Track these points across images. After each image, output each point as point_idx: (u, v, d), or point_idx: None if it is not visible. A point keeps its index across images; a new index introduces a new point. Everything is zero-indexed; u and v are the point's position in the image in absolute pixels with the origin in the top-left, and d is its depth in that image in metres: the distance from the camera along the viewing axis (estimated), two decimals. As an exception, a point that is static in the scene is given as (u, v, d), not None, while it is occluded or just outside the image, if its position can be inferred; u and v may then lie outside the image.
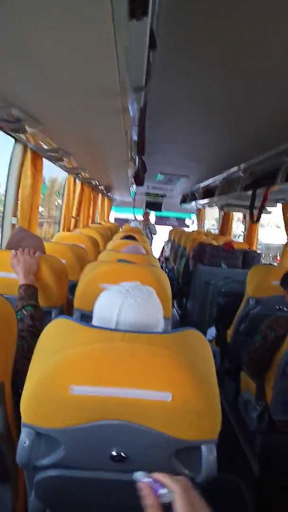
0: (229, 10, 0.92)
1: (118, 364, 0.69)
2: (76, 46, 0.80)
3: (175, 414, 0.71)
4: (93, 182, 4.11)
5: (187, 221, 8.75)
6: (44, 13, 0.69)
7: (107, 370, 0.69)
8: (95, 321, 0.86)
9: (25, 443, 0.72)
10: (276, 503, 1.46)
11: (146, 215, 7.63)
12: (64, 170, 3.26)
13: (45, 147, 2.11)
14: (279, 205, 3.60)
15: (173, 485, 0.57)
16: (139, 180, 2.38)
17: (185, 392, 0.70)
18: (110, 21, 0.63)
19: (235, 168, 3.30)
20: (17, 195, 2.20)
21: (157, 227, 8.06)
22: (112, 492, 0.79)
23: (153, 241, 7.63)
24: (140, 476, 0.61)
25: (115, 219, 8.42)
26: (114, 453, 0.75)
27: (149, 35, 0.90)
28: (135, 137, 1.80)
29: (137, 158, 2.22)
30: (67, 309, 1.66)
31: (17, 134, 1.81)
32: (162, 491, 0.57)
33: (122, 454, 0.75)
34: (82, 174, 3.37)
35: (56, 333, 0.78)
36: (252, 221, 2.88)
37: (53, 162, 2.58)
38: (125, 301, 0.82)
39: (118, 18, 0.64)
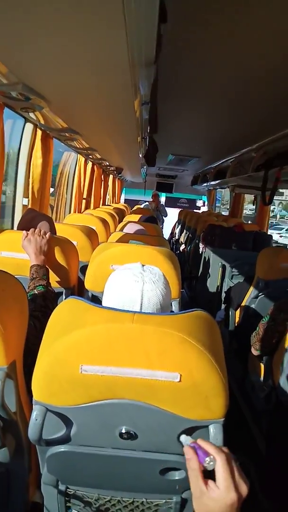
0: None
1: (127, 344, 0.70)
2: (84, 20, 0.78)
3: (183, 394, 0.72)
4: (104, 163, 4.07)
5: (198, 203, 8.66)
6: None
7: (117, 350, 0.70)
8: (106, 303, 0.86)
9: (36, 419, 0.74)
10: (282, 481, 1.49)
11: (155, 197, 7.54)
12: (75, 151, 3.23)
13: (55, 127, 2.08)
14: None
15: (217, 454, 0.60)
16: (150, 160, 2.34)
17: (194, 372, 0.70)
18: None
19: (247, 149, 3.23)
20: (28, 176, 2.19)
21: (168, 209, 8.00)
22: (121, 468, 0.81)
23: (164, 223, 7.59)
24: (185, 440, 0.65)
25: (125, 200, 8.37)
26: (123, 430, 0.77)
27: (159, 7, 0.88)
28: (145, 115, 1.76)
29: (148, 137, 2.18)
30: (78, 290, 1.68)
31: (27, 113, 1.79)
32: (207, 459, 0.60)
33: (130, 432, 0.77)
34: (93, 155, 3.34)
35: (66, 313, 0.79)
36: (265, 203, 2.83)
37: (63, 142, 2.55)
38: (145, 286, 0.83)
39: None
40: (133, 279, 0.83)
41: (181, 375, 0.70)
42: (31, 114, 1.86)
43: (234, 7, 1.02)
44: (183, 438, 0.65)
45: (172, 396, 0.72)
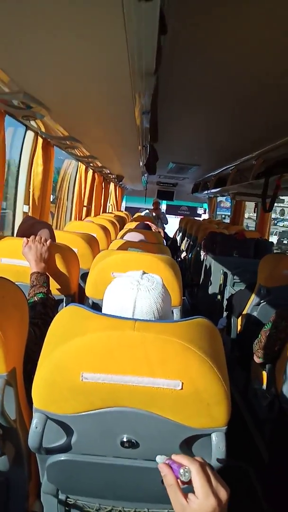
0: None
1: (128, 352, 0.70)
2: (85, 31, 0.79)
3: (185, 402, 0.71)
4: (105, 171, 4.09)
5: (199, 210, 8.68)
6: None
7: (118, 358, 0.70)
8: (106, 311, 0.86)
9: (36, 427, 0.73)
10: (284, 489, 1.47)
11: (155, 205, 7.57)
12: (75, 159, 3.25)
13: (55, 135, 2.10)
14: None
15: (191, 464, 0.60)
16: (151, 168, 2.35)
17: (195, 380, 0.70)
18: (119, 4, 0.62)
19: (247, 156, 3.24)
20: (29, 183, 2.20)
21: (168, 217, 8.02)
22: (122, 477, 0.80)
23: (165, 231, 7.60)
24: (159, 459, 0.64)
25: (126, 208, 8.40)
26: (124, 439, 0.76)
27: (159, 18, 0.89)
28: (146, 124, 1.77)
29: (148, 146, 2.19)
30: (78, 298, 1.68)
31: (28, 121, 1.81)
32: (181, 470, 0.60)
33: (132, 440, 0.76)
34: (93, 162, 3.36)
35: (67, 320, 0.79)
36: (265, 210, 2.84)
37: (64, 150, 2.57)
38: (139, 293, 0.82)
39: (127, 1, 0.62)
40: (129, 287, 0.83)
41: (182, 382, 0.70)
42: (32, 122, 1.87)
43: (234, 18, 1.03)
44: (158, 458, 0.64)
45: (173, 404, 0.72)
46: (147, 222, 3.76)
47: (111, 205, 6.64)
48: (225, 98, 1.87)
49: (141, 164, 3.14)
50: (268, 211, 2.84)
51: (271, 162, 2.99)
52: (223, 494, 0.58)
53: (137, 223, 3.57)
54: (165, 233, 6.06)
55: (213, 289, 3.61)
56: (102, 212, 4.98)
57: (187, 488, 0.60)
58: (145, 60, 0.92)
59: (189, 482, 0.59)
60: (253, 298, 2.27)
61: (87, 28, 0.79)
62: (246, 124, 2.31)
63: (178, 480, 0.60)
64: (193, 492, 0.58)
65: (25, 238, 1.46)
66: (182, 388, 0.70)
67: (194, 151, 3.71)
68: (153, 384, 0.70)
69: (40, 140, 2.18)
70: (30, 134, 2.17)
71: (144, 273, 0.90)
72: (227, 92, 1.76)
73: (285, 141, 2.41)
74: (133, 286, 0.83)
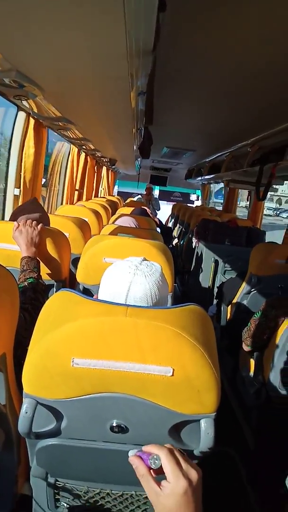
0: None
1: (119, 338, 0.69)
2: (81, 7, 0.75)
3: (175, 388, 0.71)
4: (98, 154, 4.03)
5: (192, 197, 8.65)
6: None
7: (109, 343, 0.69)
8: (102, 296, 0.85)
9: (26, 412, 0.73)
10: (269, 474, 1.51)
11: (148, 190, 7.51)
12: (68, 141, 3.19)
13: (48, 115, 2.04)
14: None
15: (159, 451, 0.62)
16: (145, 152, 2.32)
17: (187, 367, 0.70)
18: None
19: (243, 143, 3.21)
20: (20, 166, 2.15)
21: (161, 203, 7.98)
22: (111, 461, 0.81)
23: (157, 217, 7.56)
24: (131, 453, 0.65)
25: (118, 193, 8.33)
26: (114, 424, 0.76)
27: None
28: (141, 106, 1.74)
29: (143, 128, 2.15)
30: (69, 283, 1.66)
31: (20, 101, 1.75)
32: (150, 459, 0.62)
33: (121, 425, 0.76)
34: (86, 145, 3.30)
35: (58, 305, 0.77)
36: (258, 199, 2.83)
37: (56, 132, 2.51)
38: (135, 278, 0.81)
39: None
40: (127, 271, 0.82)
41: (173, 369, 0.70)
42: (24, 102, 1.81)
43: (234, 2, 1.00)
44: (130, 452, 0.65)
45: (164, 390, 0.72)
46: (144, 207, 3.74)
47: (103, 189, 6.57)
48: (223, 83, 1.83)
49: (134, 147, 3.09)
50: (261, 199, 2.83)
51: (266, 149, 2.97)
52: (194, 475, 0.59)
53: (131, 208, 3.55)
54: (159, 221, 6.02)
55: (204, 276, 3.62)
56: (94, 197, 4.93)
57: (160, 477, 0.61)
58: (143, 37, 0.89)
59: (161, 471, 0.61)
60: (244, 287, 2.28)
61: (83, 3, 0.76)
62: (243, 110, 2.28)
63: (151, 470, 0.62)
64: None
65: (15, 222, 1.44)
66: (173, 375, 0.70)
67: (189, 136, 3.66)
68: (144, 370, 0.70)
69: (32, 121, 2.12)
70: (21, 115, 2.11)
71: (144, 259, 0.89)
72: (224, 76, 1.72)
73: (281, 129, 2.39)
74: (130, 270, 0.82)
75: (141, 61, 1.02)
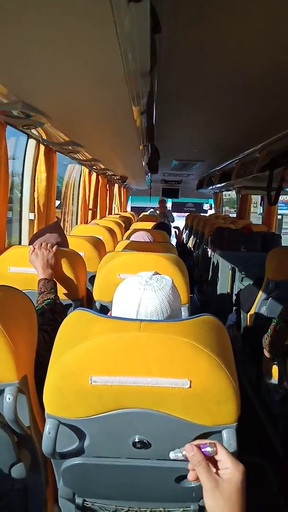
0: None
1: (135, 353, 0.70)
2: (77, 36, 0.79)
3: (194, 400, 0.72)
4: (108, 173, 4.10)
5: (205, 206, 8.65)
6: (43, 8, 0.68)
7: (125, 359, 0.70)
8: (115, 313, 0.87)
9: (49, 433, 0.74)
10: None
11: (161, 203, 7.56)
12: (78, 163, 3.27)
13: (57, 141, 2.11)
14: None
15: (212, 441, 0.61)
16: (153, 167, 2.36)
17: (203, 378, 0.70)
18: (108, 6, 0.62)
19: (251, 149, 3.22)
20: (33, 191, 2.22)
21: (175, 214, 8.01)
22: (137, 478, 0.81)
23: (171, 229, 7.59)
24: (174, 454, 0.64)
25: (132, 208, 8.41)
26: (136, 440, 0.77)
27: (152, 17, 0.89)
28: (146, 124, 1.78)
29: (149, 145, 2.19)
30: (87, 301, 1.69)
31: (29, 130, 1.82)
32: (208, 445, 0.60)
33: (144, 441, 0.76)
34: (96, 165, 3.37)
35: (74, 325, 0.79)
36: (270, 203, 2.82)
37: (66, 155, 2.59)
38: (145, 293, 0.82)
39: (117, 3, 0.62)
40: (137, 286, 0.83)
41: (191, 381, 0.70)
42: (33, 131, 1.89)
43: (229, 12, 1.02)
44: (172, 454, 0.63)
45: (183, 402, 0.72)
46: (162, 221, 3.77)
47: (116, 206, 6.66)
48: (224, 93, 1.86)
49: (143, 163, 3.14)
50: (273, 204, 2.82)
51: (275, 154, 2.96)
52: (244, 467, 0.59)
53: (145, 222, 3.59)
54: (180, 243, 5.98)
55: (222, 285, 3.60)
56: (108, 214, 5.00)
57: None
58: (139, 60, 0.92)
59: (211, 459, 0.60)
60: (262, 293, 2.26)
61: (80, 34, 0.80)
62: (248, 117, 2.30)
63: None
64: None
65: (31, 246, 1.48)
66: (190, 387, 0.70)
67: (196, 147, 3.69)
68: (161, 384, 0.71)
69: (42, 147, 2.19)
70: (32, 142, 2.19)
71: (156, 273, 0.90)
72: (225, 86, 1.75)
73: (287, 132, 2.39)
74: (140, 286, 0.84)
75: (140, 82, 1.05)
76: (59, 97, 1.30)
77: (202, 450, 0.60)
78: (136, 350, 0.70)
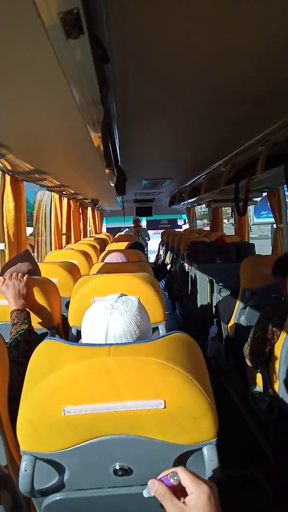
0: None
1: (106, 378, 0.69)
2: (24, 70, 0.81)
3: (170, 420, 0.71)
4: (79, 197, 4.12)
5: (179, 222, 8.78)
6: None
7: (96, 386, 0.69)
8: (85, 339, 0.86)
9: (25, 470, 0.72)
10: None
11: (135, 222, 7.65)
12: (47, 190, 3.27)
13: (22, 170, 2.12)
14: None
15: (174, 469, 0.63)
16: (120, 190, 2.39)
17: (177, 396, 0.70)
18: (48, 43, 0.64)
19: (216, 164, 3.32)
20: (2, 221, 2.20)
21: (150, 232, 8.08)
22: (121, 506, 0.79)
23: (147, 247, 7.64)
24: (146, 492, 0.64)
25: (107, 229, 8.44)
26: (117, 467, 0.75)
27: (99, 48, 0.92)
28: (109, 148, 1.81)
29: (114, 168, 2.23)
30: (63, 328, 1.66)
31: (-8, 161, 1.83)
32: (169, 476, 0.62)
33: (124, 467, 0.75)
34: (66, 190, 3.38)
35: (43, 356, 0.78)
36: (239, 214, 2.89)
37: (33, 183, 2.59)
38: (111, 317, 0.82)
39: (56, 39, 0.64)
40: (103, 312, 0.83)
41: (165, 401, 0.70)
42: (-3, 162, 1.89)
43: (184, 24, 1.04)
44: (145, 493, 0.64)
45: (159, 423, 0.72)
46: (136, 241, 3.80)
47: (91, 229, 6.66)
48: (186, 112, 1.92)
49: (112, 185, 3.18)
50: (242, 214, 2.89)
51: (239, 166, 3.06)
52: (210, 483, 0.60)
53: (120, 243, 3.60)
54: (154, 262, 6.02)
55: (201, 297, 3.62)
56: (83, 237, 4.99)
57: None
58: (88, 90, 0.94)
59: (177, 491, 0.60)
60: (239, 302, 2.29)
61: (27, 68, 0.81)
62: (211, 133, 2.38)
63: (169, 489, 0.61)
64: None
65: (1, 277, 1.46)
66: (165, 407, 0.70)
67: (164, 165, 3.77)
68: (136, 407, 0.70)
69: (7, 177, 2.19)
70: (-4, 173, 2.19)
71: (122, 295, 0.90)
72: (187, 105, 1.80)
73: (249, 145, 2.48)
74: (106, 311, 0.84)
75: (93, 109, 1.08)
76: (16, 128, 1.31)
77: (165, 482, 0.61)
78: (107, 375, 0.70)
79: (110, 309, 0.83)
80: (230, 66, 1.34)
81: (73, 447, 0.72)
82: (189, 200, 5.06)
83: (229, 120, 2.07)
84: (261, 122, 2.03)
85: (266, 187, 3.23)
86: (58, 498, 0.77)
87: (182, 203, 5.89)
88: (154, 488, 0.62)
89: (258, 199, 3.75)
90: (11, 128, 1.29)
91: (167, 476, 0.62)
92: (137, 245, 3.51)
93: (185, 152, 3.11)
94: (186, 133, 2.44)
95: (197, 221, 8.05)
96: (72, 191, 3.49)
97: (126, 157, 2.87)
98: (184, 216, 8.46)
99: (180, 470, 0.61)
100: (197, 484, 0.59)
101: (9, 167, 2.04)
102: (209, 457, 0.74)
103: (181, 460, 0.76)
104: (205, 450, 0.74)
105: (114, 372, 0.70)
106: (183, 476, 0.60)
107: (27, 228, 2.49)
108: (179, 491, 0.61)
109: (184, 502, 0.59)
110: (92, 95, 0.96)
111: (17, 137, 1.39)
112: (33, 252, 3.72)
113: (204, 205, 5.92)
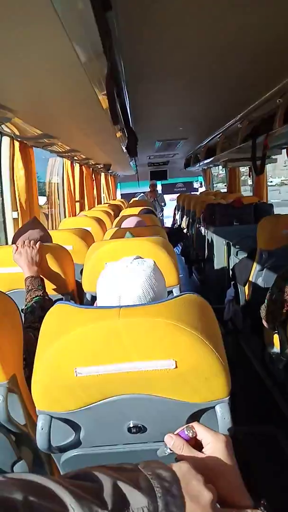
0: None
1: (116, 340, 0.69)
2: (20, 24, 0.76)
3: (182, 379, 0.71)
4: (91, 162, 4.05)
5: (195, 185, 8.57)
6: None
7: (107, 347, 0.69)
8: (100, 302, 0.86)
9: (42, 429, 0.74)
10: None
11: (152, 187, 7.49)
12: (58, 155, 3.21)
13: (31, 135, 2.07)
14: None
15: (189, 425, 0.61)
16: (131, 151, 2.32)
17: (188, 357, 0.69)
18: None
19: (232, 121, 3.17)
20: (14, 189, 2.19)
21: (166, 197, 7.95)
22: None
23: (163, 212, 7.55)
24: (161, 451, 0.62)
25: (122, 195, 8.33)
26: (131, 425, 0.76)
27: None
28: (117, 107, 1.74)
29: (124, 128, 2.15)
30: (78, 293, 1.68)
31: (1, 127, 1.79)
32: (185, 429, 0.60)
33: (138, 425, 0.76)
34: (77, 156, 3.32)
35: (54, 320, 0.78)
36: (256, 173, 2.78)
37: (43, 149, 2.54)
38: (126, 278, 0.81)
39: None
40: (118, 273, 0.82)
41: (176, 361, 0.69)
42: (6, 128, 1.85)
43: None
44: (159, 453, 0.63)
45: (172, 383, 0.72)
46: (148, 208, 3.74)
47: (105, 195, 6.61)
48: (198, 66, 1.81)
49: (124, 149, 3.10)
50: (259, 173, 2.78)
51: (256, 122, 2.92)
52: (226, 435, 0.59)
53: (135, 208, 3.55)
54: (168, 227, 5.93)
55: (218, 261, 3.59)
56: (97, 204, 4.96)
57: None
58: (90, 41, 0.88)
59: (193, 441, 0.60)
60: (256, 264, 2.25)
61: (22, 26, 0.76)
62: (226, 88, 2.25)
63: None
64: None
65: (14, 245, 1.46)
66: (176, 367, 0.70)
67: (178, 125, 3.64)
68: (147, 368, 0.70)
69: (16, 144, 2.15)
70: (6, 140, 2.15)
71: (137, 257, 0.89)
72: (198, 59, 1.70)
73: (267, 97, 2.34)
74: (121, 272, 0.83)
75: (95, 63, 1.01)
76: (21, 90, 1.26)
77: (181, 436, 0.61)
78: (118, 337, 0.69)
79: (124, 270, 0.82)
80: (244, 11, 1.22)
81: (86, 407, 0.74)
82: (205, 161, 4.91)
83: (244, 73, 1.94)
84: (278, 72, 1.90)
85: (286, 142, 3.07)
86: (75, 454, 0.80)
87: (198, 165, 5.73)
88: (171, 442, 0.60)
89: (277, 156, 3.59)
90: (14, 89, 1.25)
91: (183, 430, 0.62)
92: (149, 212, 3.45)
93: (199, 110, 2.97)
94: (199, 89, 2.31)
95: (217, 184, 7.85)
96: (83, 156, 3.43)
97: (137, 117, 2.76)
98: (200, 179, 8.25)
99: (195, 424, 0.61)
100: (214, 434, 0.58)
101: (17, 133, 2.00)
102: (222, 415, 0.74)
103: (193, 418, 0.77)
104: (218, 408, 0.74)
105: (124, 334, 0.69)
106: (199, 429, 0.59)
107: (40, 197, 2.47)
108: (195, 446, 0.61)
109: (202, 451, 0.59)
110: (93, 47, 0.90)
111: (22, 98, 1.34)
112: (48, 220, 3.72)
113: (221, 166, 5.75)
